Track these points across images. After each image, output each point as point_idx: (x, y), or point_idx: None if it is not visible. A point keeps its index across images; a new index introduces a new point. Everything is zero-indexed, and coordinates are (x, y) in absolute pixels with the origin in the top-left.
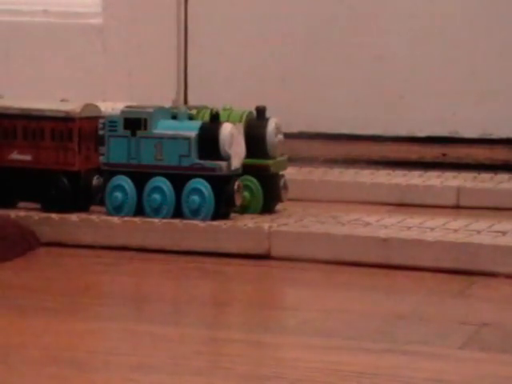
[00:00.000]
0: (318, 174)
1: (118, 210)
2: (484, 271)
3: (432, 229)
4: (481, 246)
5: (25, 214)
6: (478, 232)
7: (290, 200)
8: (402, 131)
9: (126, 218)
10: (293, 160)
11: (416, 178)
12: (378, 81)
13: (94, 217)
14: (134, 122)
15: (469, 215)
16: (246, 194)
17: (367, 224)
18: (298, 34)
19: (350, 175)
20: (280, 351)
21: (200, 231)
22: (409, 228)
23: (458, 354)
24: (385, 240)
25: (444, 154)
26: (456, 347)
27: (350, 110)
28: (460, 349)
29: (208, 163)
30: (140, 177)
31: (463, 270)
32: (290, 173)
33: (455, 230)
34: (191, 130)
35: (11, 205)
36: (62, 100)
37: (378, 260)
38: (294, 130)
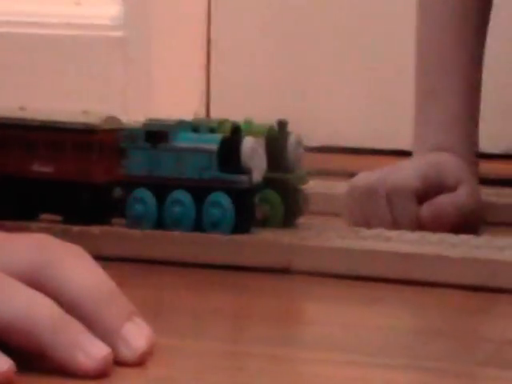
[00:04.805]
0: (340, 187)
1: (138, 223)
2: (507, 288)
3: (454, 245)
4: (504, 262)
5: (46, 226)
6: (501, 249)
7: (310, 214)
8: None
9: (146, 231)
10: (314, 174)
11: None
12: (400, 95)
13: (114, 229)
14: (155, 135)
15: (491, 231)
16: (267, 207)
17: (388, 239)
18: (319, 47)
19: None
20: (300, 366)
21: (220, 244)
22: (430, 243)
23: (478, 372)
24: (406, 255)
25: None
26: (476, 364)
27: (372, 124)
28: (480, 366)
29: (229, 176)
30: (161, 189)
31: (486, 287)
32: (312, 186)
33: (477, 247)
34: (212, 143)
35: (32, 217)
36: (84, 112)
37: (399, 275)
38: (316, 143)
